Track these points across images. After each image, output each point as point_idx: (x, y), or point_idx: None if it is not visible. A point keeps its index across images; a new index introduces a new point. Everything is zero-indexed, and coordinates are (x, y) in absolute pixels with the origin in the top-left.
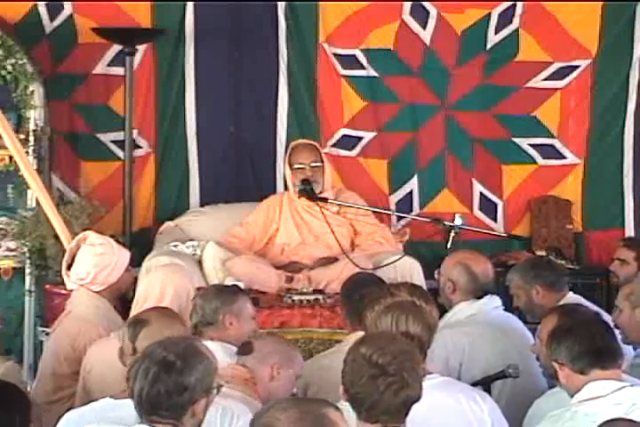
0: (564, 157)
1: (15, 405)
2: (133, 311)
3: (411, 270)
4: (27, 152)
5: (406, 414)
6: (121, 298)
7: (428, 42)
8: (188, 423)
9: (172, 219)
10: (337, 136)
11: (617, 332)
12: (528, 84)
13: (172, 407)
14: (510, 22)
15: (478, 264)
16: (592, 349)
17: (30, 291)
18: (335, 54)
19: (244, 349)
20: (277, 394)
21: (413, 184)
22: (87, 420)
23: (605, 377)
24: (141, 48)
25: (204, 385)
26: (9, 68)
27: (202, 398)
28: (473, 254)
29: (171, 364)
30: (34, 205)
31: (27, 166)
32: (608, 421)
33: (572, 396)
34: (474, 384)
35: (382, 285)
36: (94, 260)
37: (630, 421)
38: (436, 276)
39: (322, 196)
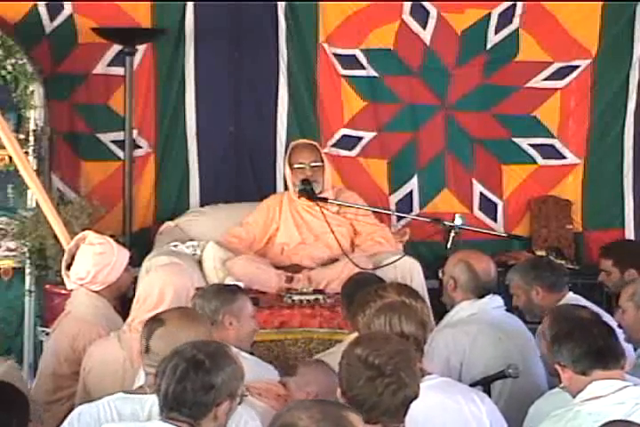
0: (564, 157)
1: (14, 405)
2: (132, 312)
3: (411, 270)
4: (26, 152)
5: (405, 414)
6: (121, 298)
7: (428, 42)
8: (207, 426)
9: (172, 219)
10: (337, 136)
11: (619, 331)
12: (528, 84)
13: (195, 406)
14: (510, 22)
15: (480, 263)
16: (592, 350)
17: (30, 291)
18: (335, 54)
19: (288, 370)
20: None
21: (413, 184)
22: (102, 412)
23: (607, 377)
24: (141, 48)
25: (230, 388)
26: (9, 68)
27: (225, 400)
28: (476, 253)
29: (200, 362)
30: (34, 205)
31: (26, 168)
32: (608, 422)
33: (574, 397)
34: (473, 384)
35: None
36: (94, 259)
37: (630, 422)
38: (439, 275)
39: (322, 196)
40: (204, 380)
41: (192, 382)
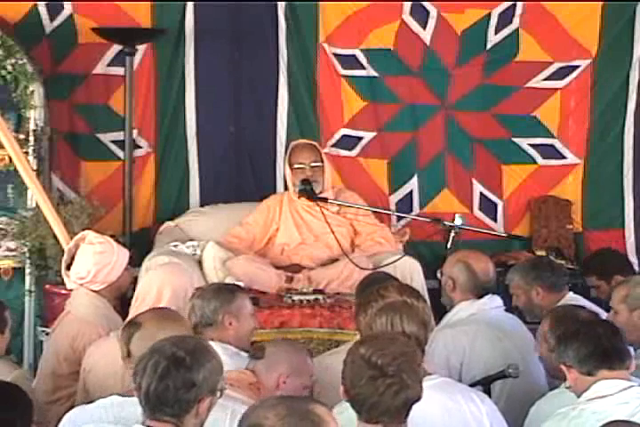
0: (564, 157)
1: (18, 405)
2: (131, 311)
3: (411, 270)
4: (26, 152)
5: (407, 415)
6: (121, 298)
7: (428, 42)
8: (189, 423)
9: (172, 219)
10: (337, 136)
11: None
12: (528, 84)
13: (177, 403)
14: (510, 22)
15: (479, 263)
16: (598, 350)
17: (30, 291)
18: (335, 54)
19: (256, 353)
20: None
21: (413, 184)
22: (97, 416)
23: (613, 377)
24: (141, 48)
25: (211, 384)
26: (9, 68)
27: (207, 397)
28: (475, 253)
29: (181, 359)
30: (34, 205)
31: (25, 168)
32: (609, 422)
33: (579, 397)
34: (473, 384)
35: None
36: (94, 258)
37: (631, 423)
38: (438, 275)
39: (322, 196)
40: (185, 377)
41: (174, 380)
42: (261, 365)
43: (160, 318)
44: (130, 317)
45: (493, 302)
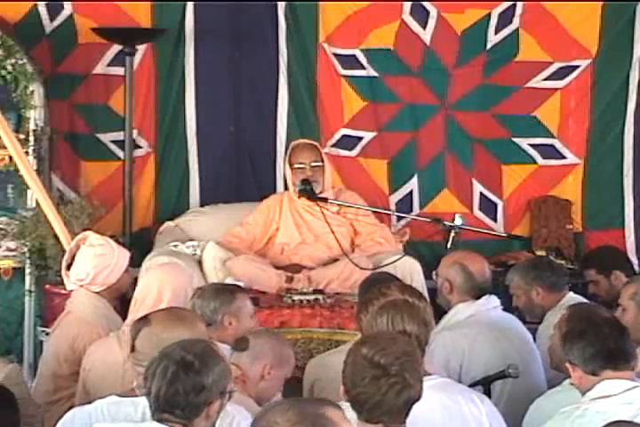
0: (564, 157)
1: (15, 406)
2: (130, 312)
3: (411, 270)
4: (26, 152)
5: (407, 415)
6: (121, 298)
7: (428, 42)
8: (199, 425)
9: (172, 219)
10: (337, 136)
11: None
12: (528, 84)
13: (187, 407)
14: (510, 22)
15: (474, 264)
16: (604, 350)
17: (30, 291)
18: (335, 54)
19: (239, 345)
20: (265, 393)
21: (413, 184)
22: (94, 417)
23: (617, 377)
24: (141, 48)
25: (220, 387)
26: (9, 68)
27: (217, 399)
28: (469, 254)
29: (189, 364)
30: (34, 205)
31: (26, 167)
32: (611, 423)
33: (583, 395)
34: (473, 384)
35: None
36: (94, 261)
37: (634, 423)
38: (434, 277)
39: (322, 196)
40: (194, 381)
41: (183, 384)
42: (246, 356)
43: (170, 318)
44: (129, 318)
45: (491, 303)
